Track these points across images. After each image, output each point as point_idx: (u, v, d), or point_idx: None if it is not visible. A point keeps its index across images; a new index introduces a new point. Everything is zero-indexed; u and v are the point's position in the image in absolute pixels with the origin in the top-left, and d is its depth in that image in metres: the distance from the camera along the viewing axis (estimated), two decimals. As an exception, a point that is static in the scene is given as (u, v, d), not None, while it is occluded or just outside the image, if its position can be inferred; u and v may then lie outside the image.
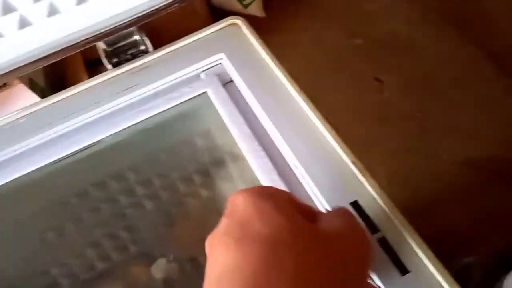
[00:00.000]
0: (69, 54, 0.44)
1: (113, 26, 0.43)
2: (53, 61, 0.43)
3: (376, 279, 0.31)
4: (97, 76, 0.46)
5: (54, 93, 0.46)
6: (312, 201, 0.36)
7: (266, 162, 0.38)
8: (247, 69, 0.44)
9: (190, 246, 0.62)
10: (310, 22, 1.38)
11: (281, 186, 0.36)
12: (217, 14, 1.35)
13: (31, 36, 0.41)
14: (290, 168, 0.38)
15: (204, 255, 0.26)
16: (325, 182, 0.35)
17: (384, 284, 0.30)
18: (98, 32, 0.43)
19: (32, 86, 1.00)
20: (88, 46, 0.44)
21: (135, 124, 0.43)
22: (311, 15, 1.40)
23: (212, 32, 0.47)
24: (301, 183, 0.37)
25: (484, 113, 1.10)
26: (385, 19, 1.37)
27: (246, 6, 1.36)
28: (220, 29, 0.47)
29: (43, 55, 0.42)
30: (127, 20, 0.43)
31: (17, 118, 0.45)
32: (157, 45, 0.48)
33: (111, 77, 0.45)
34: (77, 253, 0.59)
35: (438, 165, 1.08)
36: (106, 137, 0.43)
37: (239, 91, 0.43)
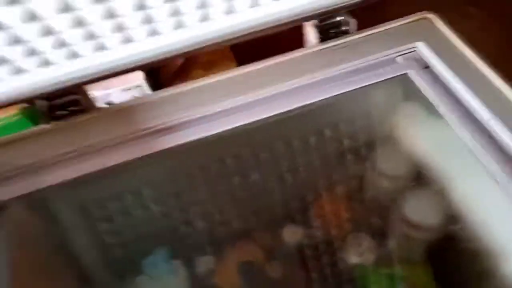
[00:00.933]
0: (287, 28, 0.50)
1: (330, 7, 0.49)
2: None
3: None
4: (302, 49, 0.52)
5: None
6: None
7: (472, 131, 0.42)
8: (444, 57, 0.49)
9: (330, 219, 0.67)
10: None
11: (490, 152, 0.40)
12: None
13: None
14: (495, 139, 0.42)
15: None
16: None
17: None
18: (315, 12, 0.49)
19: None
20: (303, 22, 0.51)
21: (341, 93, 0.49)
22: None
23: (406, 23, 0.53)
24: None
25: None
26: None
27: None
28: (413, 20, 0.53)
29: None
30: (342, 4, 0.50)
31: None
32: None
33: (319, 50, 0.52)
34: (218, 211, 0.65)
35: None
36: (312, 102, 0.49)
37: (437, 75, 0.48)
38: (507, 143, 0.41)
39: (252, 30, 0.48)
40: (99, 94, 0.76)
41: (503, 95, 0.44)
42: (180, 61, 1.12)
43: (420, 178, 0.55)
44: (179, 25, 0.45)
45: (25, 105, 0.80)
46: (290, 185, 0.65)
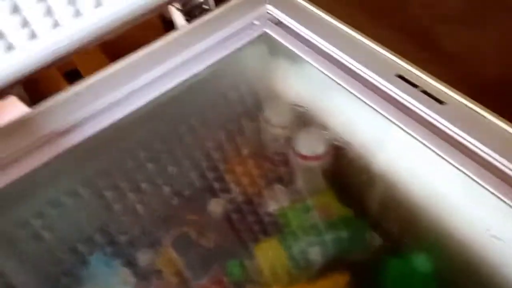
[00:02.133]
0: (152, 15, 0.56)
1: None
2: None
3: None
4: (173, 31, 0.58)
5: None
6: (382, 90, 0.51)
7: (327, 63, 0.53)
8: (290, 12, 0.59)
9: (242, 180, 0.74)
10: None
11: (348, 79, 0.51)
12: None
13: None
14: (350, 69, 0.53)
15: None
16: (373, 62, 0.51)
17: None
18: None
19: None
20: (167, 5, 0.57)
21: (217, 60, 0.56)
22: None
23: (254, -8, 0.62)
24: (357, 73, 0.52)
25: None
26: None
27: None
28: (260, -11, 0.62)
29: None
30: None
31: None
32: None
33: (187, 30, 0.58)
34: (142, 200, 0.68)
35: None
36: (195, 74, 0.56)
37: (289, 28, 0.58)
38: (352, 65, 0.53)
39: (121, 21, 0.53)
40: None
41: (339, 31, 0.56)
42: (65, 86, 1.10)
43: (302, 118, 0.65)
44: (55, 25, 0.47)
45: None
46: (200, 159, 0.70)
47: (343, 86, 0.52)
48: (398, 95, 0.49)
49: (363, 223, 0.66)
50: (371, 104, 0.49)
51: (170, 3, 0.56)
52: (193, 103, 0.62)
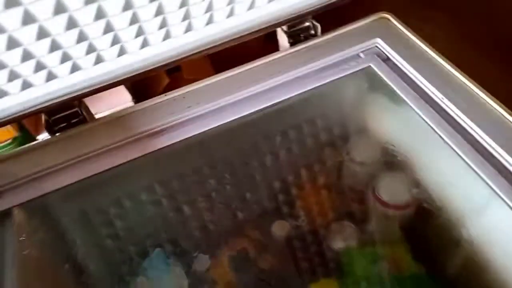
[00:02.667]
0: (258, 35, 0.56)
1: (296, 14, 0.56)
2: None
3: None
4: (277, 53, 0.58)
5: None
6: (494, 156, 0.45)
7: (431, 112, 0.49)
8: (401, 49, 0.55)
9: (314, 209, 0.72)
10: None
11: (451, 131, 0.47)
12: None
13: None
14: (454, 119, 0.48)
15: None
16: (488, 127, 0.46)
17: None
18: (285, 18, 0.55)
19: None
20: (274, 28, 0.56)
21: (311, 89, 0.55)
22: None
23: (366, 23, 0.60)
24: (467, 131, 0.47)
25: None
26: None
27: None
28: (372, 20, 0.60)
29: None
30: (307, 10, 0.56)
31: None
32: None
33: (290, 53, 0.57)
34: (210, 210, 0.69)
35: None
36: (288, 97, 0.55)
37: (397, 65, 0.55)
38: (460, 118, 0.48)
39: (229, 39, 0.54)
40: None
41: (452, 78, 0.51)
42: (166, 81, 1.18)
43: (390, 161, 0.61)
44: (167, 36, 0.50)
45: (16, 132, 0.84)
46: (275, 180, 0.69)
47: (444, 140, 0.47)
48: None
49: (435, 285, 0.60)
50: (476, 170, 0.44)
51: (278, 26, 0.55)
52: (280, 125, 0.61)
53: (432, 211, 0.59)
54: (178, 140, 0.52)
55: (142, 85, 1.25)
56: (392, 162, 0.62)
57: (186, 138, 0.52)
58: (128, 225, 0.61)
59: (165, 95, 0.54)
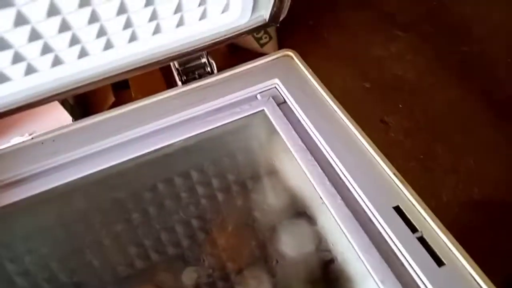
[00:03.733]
0: (148, 70, 0.51)
1: (187, 49, 0.51)
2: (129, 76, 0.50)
3: (417, 270, 0.37)
4: (169, 90, 0.53)
5: (81, 112, 0.52)
6: (360, 205, 0.42)
7: (317, 170, 0.44)
8: (299, 92, 0.51)
9: (222, 255, 0.67)
10: (322, 62, 1.48)
11: (331, 190, 0.43)
12: (235, 51, 1.46)
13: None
14: (339, 176, 0.44)
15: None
16: (370, 189, 0.42)
17: (424, 275, 0.36)
18: (175, 54, 0.50)
19: (63, 103, 1.06)
20: (166, 64, 0.51)
21: (201, 132, 0.50)
22: (323, 56, 1.52)
23: (267, 61, 0.55)
24: (349, 190, 0.43)
25: (485, 158, 1.18)
26: (393, 65, 1.49)
27: (262, 45, 1.47)
28: (274, 58, 0.55)
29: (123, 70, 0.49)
30: (199, 46, 0.51)
31: (97, 121, 0.51)
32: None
33: (182, 91, 0.53)
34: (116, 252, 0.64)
35: (438, 205, 1.14)
36: (176, 141, 0.50)
37: (291, 110, 0.51)
38: (347, 178, 0.44)
39: (108, 75, 0.49)
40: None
41: (344, 128, 0.47)
42: (112, 100, 1.13)
43: (292, 207, 0.57)
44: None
45: None
46: (181, 223, 0.64)
47: (323, 201, 0.43)
48: (389, 236, 0.39)
49: None
50: (353, 243, 0.39)
51: (167, 61, 0.50)
52: (176, 167, 0.57)
53: (334, 266, 0.55)
54: (49, 187, 0.46)
55: (86, 103, 1.19)
56: (294, 209, 0.57)
57: (59, 185, 0.47)
58: (24, 265, 0.55)
59: (32, 137, 0.48)
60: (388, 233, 0.39)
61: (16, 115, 0.47)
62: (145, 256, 0.65)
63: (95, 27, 0.43)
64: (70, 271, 0.61)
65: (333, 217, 0.41)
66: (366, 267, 0.38)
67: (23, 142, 0.48)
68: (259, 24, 0.51)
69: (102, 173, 0.49)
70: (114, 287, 0.64)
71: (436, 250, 0.38)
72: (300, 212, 0.56)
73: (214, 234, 0.66)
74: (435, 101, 1.34)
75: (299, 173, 0.47)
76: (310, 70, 0.53)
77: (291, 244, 0.56)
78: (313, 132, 0.48)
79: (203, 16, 0.47)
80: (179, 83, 0.54)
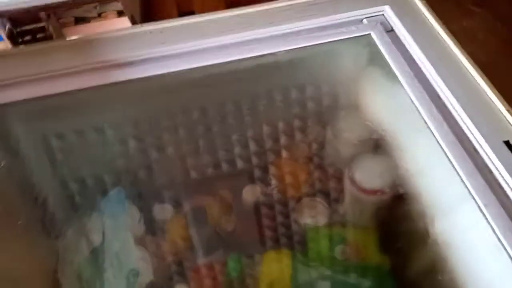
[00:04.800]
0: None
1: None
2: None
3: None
4: (274, 2, 0.53)
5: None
6: (466, 135, 0.41)
7: (424, 96, 0.44)
8: (408, 22, 0.50)
9: (287, 180, 0.68)
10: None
11: (437, 116, 0.42)
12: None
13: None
14: (445, 106, 0.44)
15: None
16: (480, 122, 0.41)
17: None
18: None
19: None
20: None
21: (304, 46, 0.50)
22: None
23: (377, -12, 0.54)
24: (456, 120, 0.42)
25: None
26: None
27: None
28: (384, -14, 0.54)
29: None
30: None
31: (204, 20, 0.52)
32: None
33: (288, 5, 0.52)
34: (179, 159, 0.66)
35: None
36: (278, 51, 0.50)
37: (399, 39, 0.50)
38: (452, 106, 0.43)
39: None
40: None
41: (457, 63, 0.46)
42: None
43: (373, 142, 0.57)
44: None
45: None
46: (250, 141, 0.66)
47: (428, 126, 0.42)
48: (496, 167, 0.38)
49: (393, 280, 0.57)
50: (455, 164, 0.39)
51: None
52: (263, 83, 0.57)
53: (405, 200, 0.55)
54: (146, 75, 0.47)
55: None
56: (375, 143, 0.57)
57: (156, 75, 0.48)
58: (87, 158, 0.58)
59: (142, 25, 0.49)
60: (495, 164, 0.39)
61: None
62: (212, 166, 0.67)
63: None
64: (128, 167, 0.63)
65: (437, 142, 0.41)
66: (468, 190, 0.38)
67: (132, 28, 0.49)
68: None
69: (203, 71, 0.50)
70: (176, 193, 0.67)
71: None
72: (379, 146, 0.56)
73: (284, 159, 0.68)
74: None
75: (397, 101, 0.46)
76: (425, 2, 0.51)
77: (366, 177, 0.57)
78: (422, 62, 0.47)
79: None
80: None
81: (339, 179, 0.64)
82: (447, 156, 0.40)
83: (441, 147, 0.41)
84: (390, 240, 0.61)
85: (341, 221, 0.65)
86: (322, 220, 0.65)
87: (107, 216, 0.61)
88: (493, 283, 0.40)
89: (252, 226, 0.67)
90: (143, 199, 0.64)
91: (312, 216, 0.65)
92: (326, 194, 0.66)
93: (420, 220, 0.51)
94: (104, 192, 0.63)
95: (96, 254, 0.59)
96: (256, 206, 0.68)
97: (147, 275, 0.56)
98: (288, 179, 0.68)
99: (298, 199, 0.67)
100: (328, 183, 0.66)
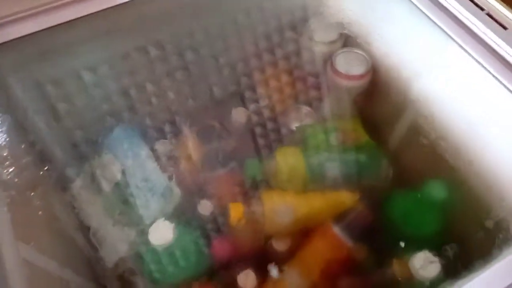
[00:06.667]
0: None
1: None
2: None
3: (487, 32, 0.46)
4: None
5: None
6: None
7: None
8: None
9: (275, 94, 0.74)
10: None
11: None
12: None
13: None
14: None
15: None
16: None
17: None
18: None
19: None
20: None
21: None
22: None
23: None
24: None
25: None
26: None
27: None
28: None
29: None
30: None
31: None
32: None
33: None
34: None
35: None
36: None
37: None
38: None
39: None
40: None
41: None
42: None
43: (348, 37, 0.64)
44: None
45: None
46: (235, 63, 0.70)
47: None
48: (462, 14, 0.48)
49: (381, 152, 0.66)
50: (431, 17, 0.48)
51: None
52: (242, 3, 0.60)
53: (383, 77, 0.64)
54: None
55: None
56: (349, 37, 0.65)
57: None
58: (87, 97, 0.59)
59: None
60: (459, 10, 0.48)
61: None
62: (199, 94, 0.70)
63: None
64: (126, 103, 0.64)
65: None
66: (445, 32, 0.46)
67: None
68: None
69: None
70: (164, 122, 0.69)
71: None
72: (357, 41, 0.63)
73: (265, 75, 0.72)
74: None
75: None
76: None
77: (344, 66, 0.64)
78: None
79: None
80: None
81: (318, 84, 0.71)
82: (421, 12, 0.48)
83: (416, 6, 0.49)
84: (373, 121, 0.70)
85: (326, 116, 0.72)
86: (308, 121, 0.72)
87: (120, 152, 0.63)
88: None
89: (251, 142, 0.72)
90: (145, 134, 0.66)
91: (300, 120, 0.72)
92: (308, 100, 0.73)
93: (400, 88, 0.60)
94: (105, 134, 0.64)
95: (119, 188, 0.61)
96: (249, 125, 0.72)
97: (177, 192, 0.60)
98: (272, 92, 0.74)
99: (284, 110, 0.73)
100: (310, 89, 0.73)
